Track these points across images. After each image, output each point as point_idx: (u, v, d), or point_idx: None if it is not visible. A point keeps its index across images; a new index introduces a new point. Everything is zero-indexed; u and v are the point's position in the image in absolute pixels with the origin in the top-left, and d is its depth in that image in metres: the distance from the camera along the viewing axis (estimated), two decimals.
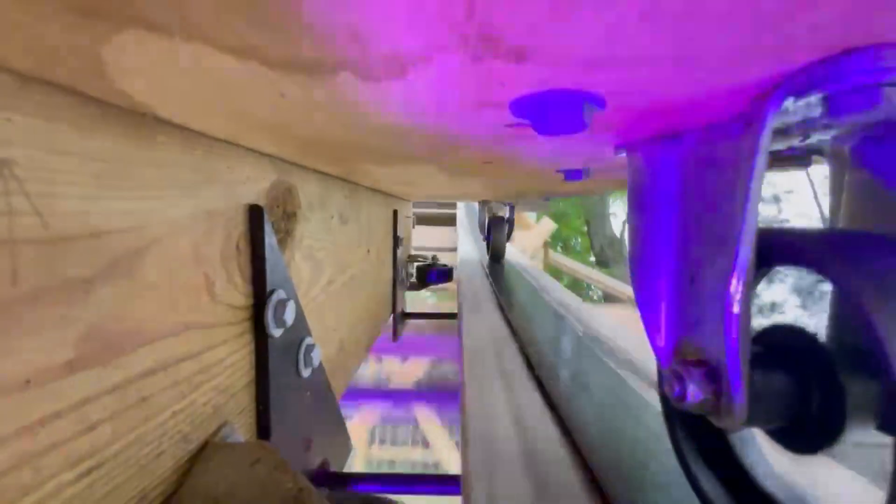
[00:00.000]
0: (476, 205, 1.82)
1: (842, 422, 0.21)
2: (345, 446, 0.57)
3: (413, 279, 1.46)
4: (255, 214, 0.35)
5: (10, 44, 0.15)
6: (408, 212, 1.43)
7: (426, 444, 3.00)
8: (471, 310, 0.85)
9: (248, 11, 0.13)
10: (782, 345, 0.24)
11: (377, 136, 0.32)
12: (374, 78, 0.18)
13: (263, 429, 0.37)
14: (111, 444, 0.22)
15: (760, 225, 0.22)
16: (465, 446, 0.38)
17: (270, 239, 0.37)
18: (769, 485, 0.26)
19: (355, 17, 0.13)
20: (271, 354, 0.37)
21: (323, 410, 0.50)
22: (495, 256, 1.58)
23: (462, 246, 1.85)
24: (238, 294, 0.34)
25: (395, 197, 1.12)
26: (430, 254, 1.61)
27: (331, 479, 0.49)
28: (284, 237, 0.43)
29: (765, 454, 0.26)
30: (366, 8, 0.13)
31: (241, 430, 0.34)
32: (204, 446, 0.29)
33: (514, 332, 0.70)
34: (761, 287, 0.23)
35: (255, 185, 0.37)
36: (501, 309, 0.85)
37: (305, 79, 0.18)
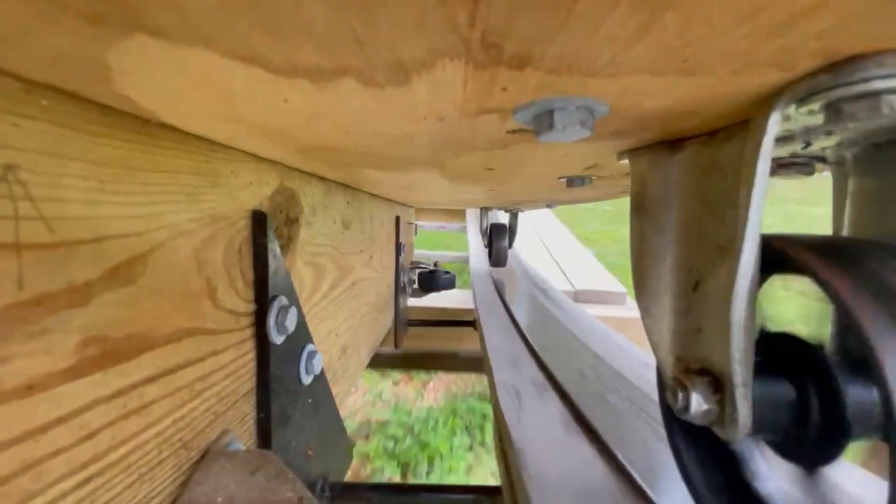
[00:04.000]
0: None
1: (845, 433, 0.21)
2: (345, 455, 0.57)
3: (415, 286, 1.46)
4: (257, 220, 0.35)
5: (17, 50, 0.15)
6: (410, 218, 1.43)
7: None
8: None
9: (252, 18, 0.13)
10: (783, 354, 0.24)
11: (379, 141, 0.32)
12: (376, 84, 0.19)
13: (264, 436, 0.37)
14: (112, 451, 0.21)
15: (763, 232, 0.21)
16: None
17: (273, 245, 0.37)
18: (769, 494, 0.25)
19: (359, 24, 0.13)
20: (273, 361, 0.37)
21: (324, 418, 0.49)
22: (496, 263, 1.58)
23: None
24: (240, 300, 0.34)
25: (398, 203, 1.12)
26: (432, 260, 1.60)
27: (331, 489, 0.49)
28: (287, 243, 0.43)
29: (766, 463, 0.26)
30: (369, 14, 0.13)
31: (242, 437, 0.34)
32: (205, 454, 0.29)
33: None
34: None
35: (257, 190, 0.37)
36: None
37: (308, 85, 0.19)
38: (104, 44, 0.15)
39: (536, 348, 0.72)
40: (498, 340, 0.78)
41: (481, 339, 0.88)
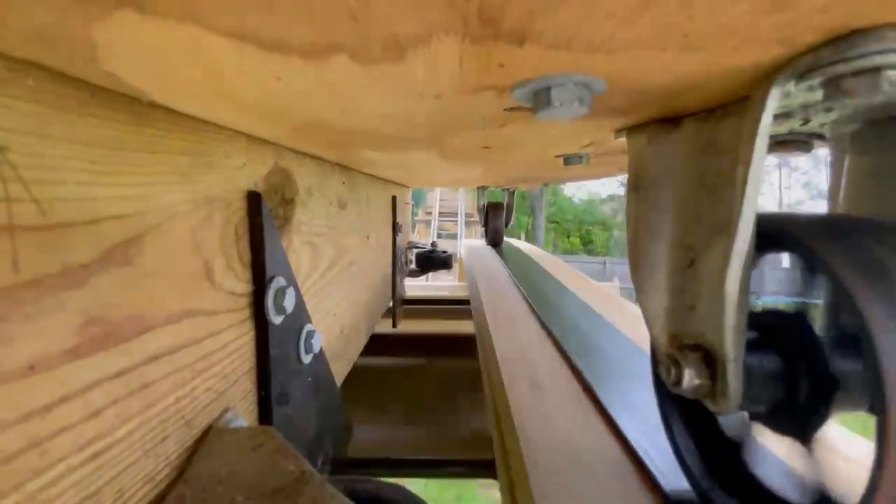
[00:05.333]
0: None
1: (829, 404, 0.22)
2: (345, 431, 0.58)
3: (413, 265, 1.46)
4: (253, 200, 0.35)
5: (1, 28, 0.15)
6: (407, 198, 1.43)
7: None
8: None
9: None
10: (773, 329, 0.25)
11: (374, 120, 0.32)
12: (371, 61, 0.18)
13: (265, 414, 0.37)
14: (116, 429, 0.22)
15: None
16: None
17: (269, 225, 0.36)
18: (759, 470, 0.26)
19: None
20: (272, 341, 0.37)
21: (324, 396, 0.50)
22: (493, 242, 1.58)
23: None
24: (238, 281, 0.34)
25: (394, 183, 1.11)
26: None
27: (331, 463, 0.50)
28: (283, 223, 0.42)
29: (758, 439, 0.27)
30: None
31: (244, 415, 0.34)
32: (207, 431, 0.30)
33: None
34: None
35: (252, 170, 0.36)
36: None
37: (301, 62, 0.18)
38: (88, 19, 0.14)
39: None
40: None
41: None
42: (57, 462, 0.19)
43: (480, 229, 1.77)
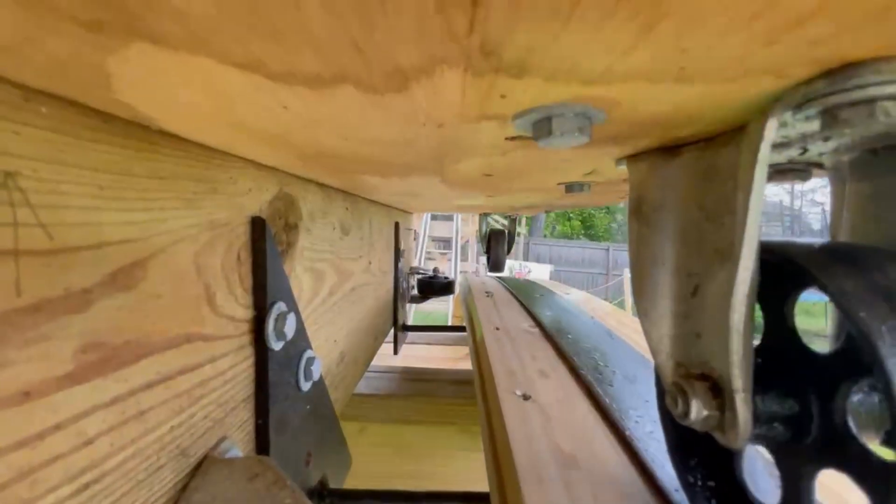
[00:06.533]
0: None
1: (845, 438, 0.21)
2: (344, 461, 0.56)
3: (414, 291, 1.46)
4: (256, 226, 0.35)
5: (18, 58, 0.15)
6: (409, 224, 1.43)
7: None
8: None
9: (251, 24, 0.13)
10: (783, 358, 0.24)
11: (378, 147, 0.32)
12: (375, 90, 0.19)
13: (262, 443, 0.36)
14: (110, 458, 0.21)
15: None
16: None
17: (272, 250, 0.37)
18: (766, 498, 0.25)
19: (358, 31, 0.13)
20: (271, 368, 0.37)
21: (322, 425, 0.49)
22: (495, 268, 1.58)
23: None
24: (239, 306, 0.34)
25: (397, 209, 1.12)
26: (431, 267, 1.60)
27: (329, 495, 0.48)
28: (286, 249, 0.43)
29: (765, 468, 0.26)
30: (368, 22, 0.13)
31: (240, 444, 0.34)
32: (203, 460, 0.29)
33: None
34: None
35: (256, 196, 0.37)
36: None
37: (308, 91, 0.19)
38: (104, 51, 0.15)
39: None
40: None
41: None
42: (47, 493, 0.18)
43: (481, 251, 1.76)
